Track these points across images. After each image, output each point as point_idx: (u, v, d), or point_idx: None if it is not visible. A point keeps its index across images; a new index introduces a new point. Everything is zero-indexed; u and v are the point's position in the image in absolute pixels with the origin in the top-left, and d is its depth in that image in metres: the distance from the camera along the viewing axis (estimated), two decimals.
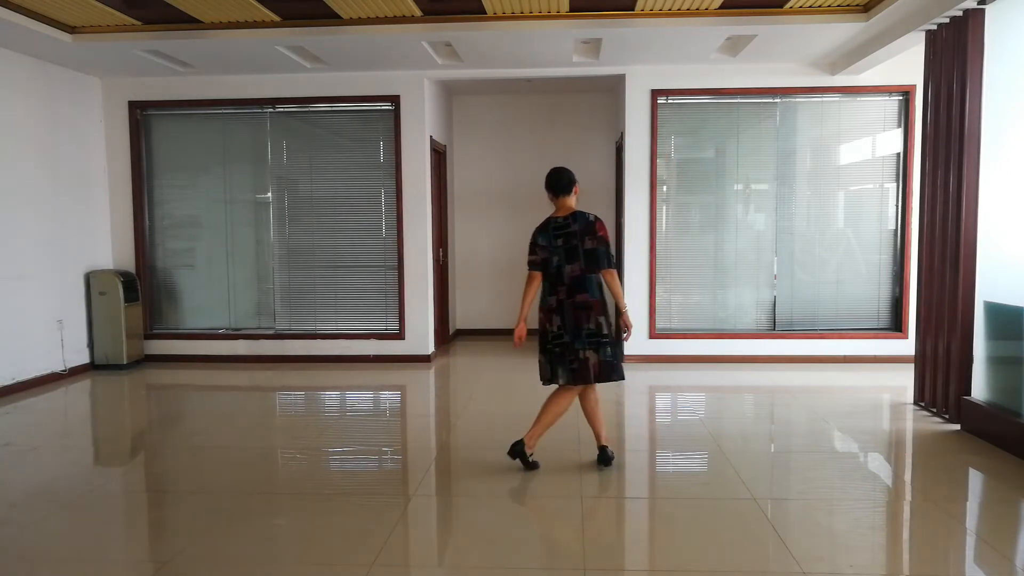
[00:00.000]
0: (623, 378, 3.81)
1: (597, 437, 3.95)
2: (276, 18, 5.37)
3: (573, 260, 3.73)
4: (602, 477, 3.79)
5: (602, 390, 5.15)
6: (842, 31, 5.45)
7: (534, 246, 3.82)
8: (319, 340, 6.98)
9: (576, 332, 3.71)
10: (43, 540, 3.07)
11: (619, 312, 3.83)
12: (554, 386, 3.87)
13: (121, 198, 7.01)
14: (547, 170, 3.90)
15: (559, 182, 3.83)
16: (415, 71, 6.67)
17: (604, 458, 3.91)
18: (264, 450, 4.36)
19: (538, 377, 3.90)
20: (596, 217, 3.78)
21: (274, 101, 6.85)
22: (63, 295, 6.41)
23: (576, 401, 3.92)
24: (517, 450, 3.83)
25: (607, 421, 4.89)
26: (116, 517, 3.43)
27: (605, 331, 3.73)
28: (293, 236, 7.03)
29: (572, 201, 3.85)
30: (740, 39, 5.74)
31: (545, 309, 3.80)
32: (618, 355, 3.80)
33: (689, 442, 4.40)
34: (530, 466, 3.83)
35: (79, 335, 6.61)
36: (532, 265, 3.83)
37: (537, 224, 3.87)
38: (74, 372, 6.49)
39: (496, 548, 2.96)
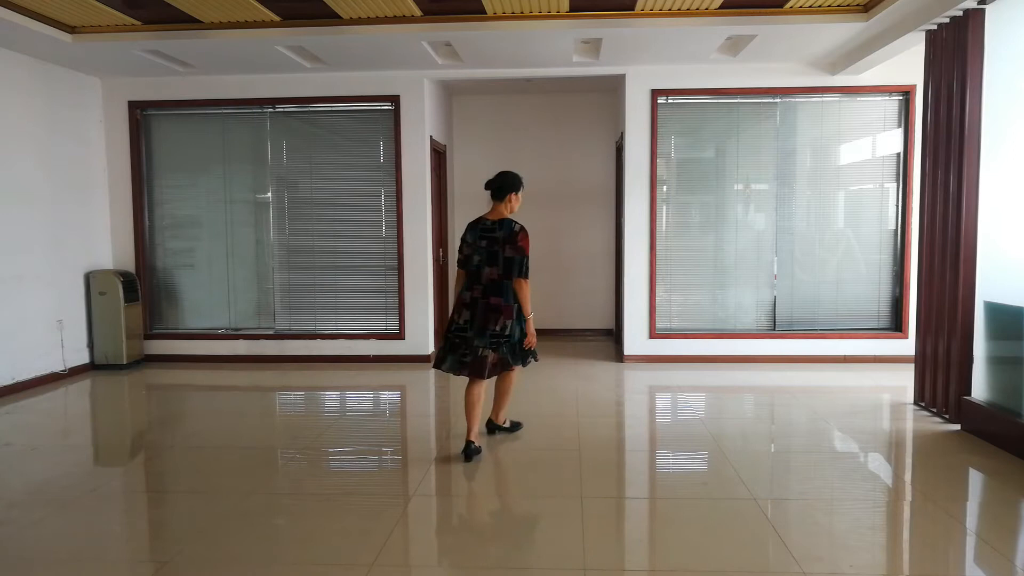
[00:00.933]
0: (523, 365, 4.13)
1: (486, 421, 4.38)
2: (276, 18, 5.36)
3: (492, 264, 3.93)
4: (602, 477, 3.79)
5: (601, 392, 5.17)
6: (842, 31, 5.45)
7: (462, 242, 4.07)
8: (319, 340, 6.98)
9: (481, 331, 3.92)
10: (43, 540, 3.07)
11: (524, 319, 4.00)
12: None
13: (121, 198, 7.01)
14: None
15: (496, 187, 4.02)
16: (415, 71, 6.67)
17: (467, 452, 4.02)
18: (264, 450, 4.35)
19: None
20: (521, 227, 3.97)
21: (274, 101, 6.85)
22: (63, 295, 6.41)
23: (482, 389, 4.11)
24: (492, 426, 4.35)
25: (608, 420, 4.90)
26: (116, 517, 3.43)
27: (508, 333, 3.93)
28: (293, 236, 7.03)
29: (504, 208, 4.03)
30: (740, 39, 5.74)
31: (459, 302, 4.04)
32: (517, 351, 4.02)
33: (689, 442, 4.39)
34: (513, 428, 4.37)
35: (79, 335, 6.61)
36: (458, 262, 4.11)
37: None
38: (74, 372, 6.49)
39: (496, 548, 2.96)
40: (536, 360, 4.19)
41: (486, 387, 4.12)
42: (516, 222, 3.98)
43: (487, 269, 3.92)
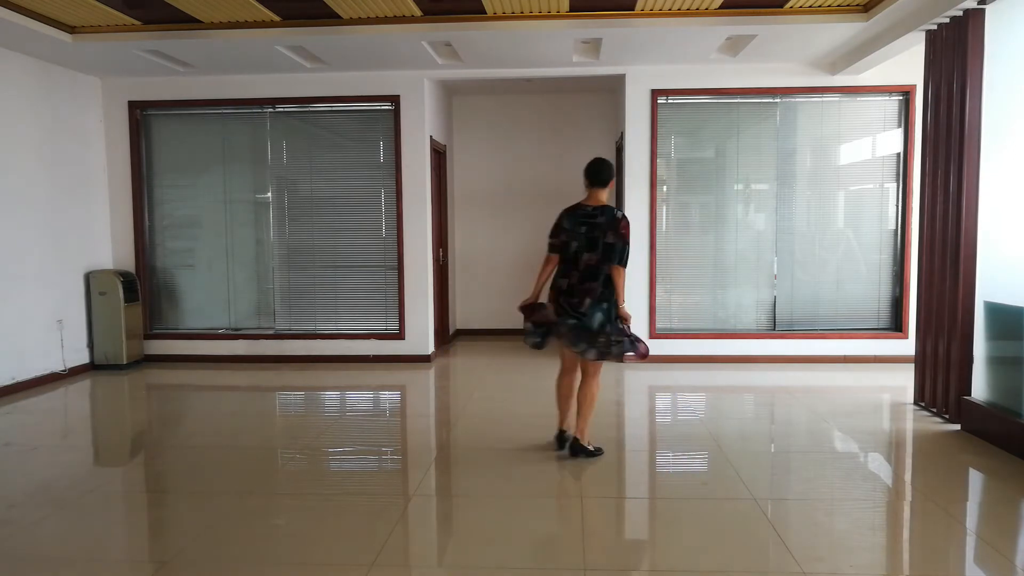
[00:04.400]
0: (597, 358, 3.93)
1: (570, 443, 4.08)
2: (276, 18, 5.37)
3: (592, 250, 3.88)
4: (602, 477, 3.79)
5: (601, 392, 5.16)
6: (842, 31, 5.45)
7: (558, 229, 3.99)
8: (319, 340, 6.98)
9: (578, 313, 3.88)
10: (43, 540, 3.07)
11: (611, 308, 3.91)
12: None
13: (121, 198, 7.01)
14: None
15: (599, 175, 3.98)
16: (415, 71, 6.67)
17: (559, 440, 4.14)
18: (264, 450, 4.35)
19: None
20: (623, 215, 3.94)
21: (274, 101, 6.85)
22: (63, 295, 6.41)
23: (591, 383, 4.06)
24: (575, 448, 4.00)
25: (607, 421, 4.89)
26: (116, 517, 3.43)
27: (586, 312, 3.85)
28: (293, 236, 7.03)
29: (604, 195, 4.00)
30: (740, 39, 5.74)
31: (555, 290, 3.99)
32: (593, 340, 3.87)
33: (689, 442, 4.39)
34: (595, 453, 4.02)
35: (79, 335, 6.61)
36: (552, 248, 4.02)
37: (564, 210, 4.04)
38: (74, 372, 6.49)
39: (496, 548, 2.96)
40: (617, 359, 3.95)
41: (576, 382, 4.11)
42: (619, 210, 3.98)
43: (586, 255, 3.87)
